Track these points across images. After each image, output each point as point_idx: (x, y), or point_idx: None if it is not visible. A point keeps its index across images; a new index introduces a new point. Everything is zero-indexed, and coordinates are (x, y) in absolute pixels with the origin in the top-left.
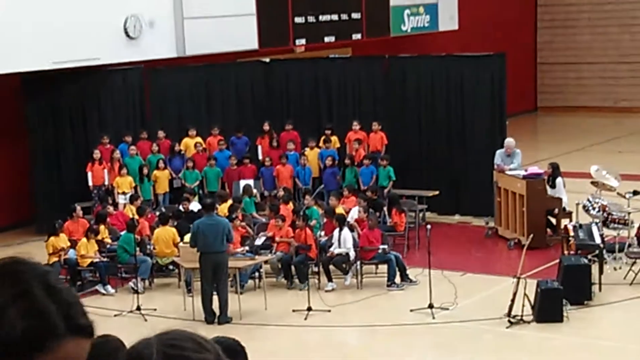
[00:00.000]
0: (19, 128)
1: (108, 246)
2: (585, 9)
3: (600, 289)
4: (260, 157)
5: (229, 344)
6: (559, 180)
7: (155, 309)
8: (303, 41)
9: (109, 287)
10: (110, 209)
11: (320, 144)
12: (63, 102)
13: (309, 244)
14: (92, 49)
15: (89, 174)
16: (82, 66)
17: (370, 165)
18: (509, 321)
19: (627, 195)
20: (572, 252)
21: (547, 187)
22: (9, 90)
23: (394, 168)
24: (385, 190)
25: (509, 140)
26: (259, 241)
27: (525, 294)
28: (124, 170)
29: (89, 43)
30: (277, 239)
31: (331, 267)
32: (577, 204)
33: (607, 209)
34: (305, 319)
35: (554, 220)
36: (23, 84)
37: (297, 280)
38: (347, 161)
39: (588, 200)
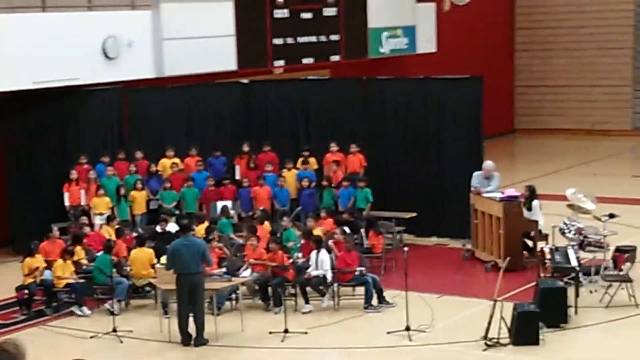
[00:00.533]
0: None
1: (84, 267)
2: (562, 32)
3: (576, 312)
4: (237, 178)
5: None
6: (535, 202)
7: (131, 331)
8: (282, 62)
9: (84, 308)
10: (87, 229)
11: (299, 165)
12: (41, 122)
13: (285, 265)
14: (71, 69)
15: (66, 195)
16: (61, 86)
17: (349, 187)
18: (486, 344)
19: (603, 219)
20: (548, 275)
21: (524, 210)
22: None
23: (371, 190)
24: (364, 212)
25: (488, 164)
26: (246, 272)
27: (501, 317)
28: (101, 191)
29: (68, 63)
30: (250, 260)
31: (308, 288)
32: (554, 227)
33: (583, 231)
34: (282, 341)
35: (530, 243)
36: (1, 103)
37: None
38: (324, 183)
39: (564, 223)
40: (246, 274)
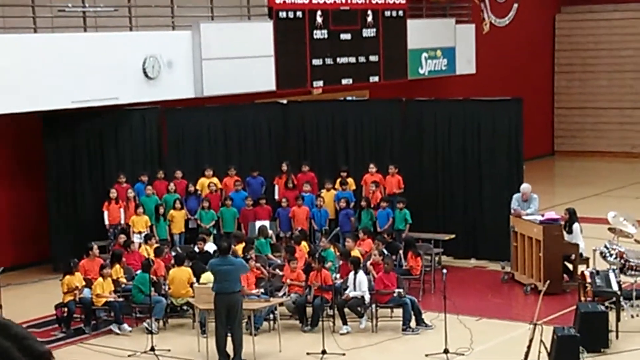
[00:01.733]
0: (38, 166)
1: (123, 286)
2: (602, 54)
3: (617, 337)
4: (276, 197)
5: None
6: (575, 225)
7: (169, 350)
8: (320, 83)
9: (125, 326)
10: (135, 245)
11: (337, 185)
12: (81, 141)
13: (328, 285)
14: (111, 89)
15: (106, 213)
16: (101, 105)
17: (387, 208)
18: None
19: None
20: (589, 299)
21: (564, 233)
22: (29, 129)
23: (410, 211)
24: (403, 234)
25: (525, 186)
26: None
27: (541, 341)
28: (140, 209)
29: (108, 83)
30: (287, 281)
31: (346, 310)
32: (594, 250)
33: (624, 255)
34: None
35: (570, 266)
36: (42, 123)
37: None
38: (363, 203)
39: (605, 246)
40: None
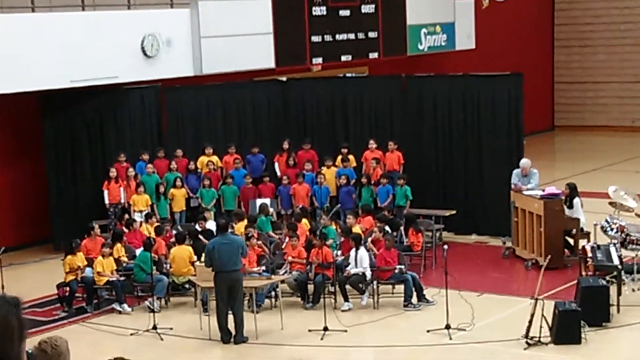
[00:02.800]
0: (37, 146)
1: (124, 264)
2: (601, 28)
3: (618, 311)
4: (278, 175)
5: None
6: (576, 200)
7: (171, 328)
8: (320, 60)
9: (125, 305)
10: (137, 224)
11: (338, 162)
12: (80, 121)
13: (328, 262)
14: (109, 68)
15: (106, 192)
16: (100, 84)
17: (387, 185)
18: (527, 342)
19: None
20: (590, 273)
21: (565, 208)
22: (27, 109)
23: (410, 187)
24: (404, 211)
25: (525, 161)
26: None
27: (542, 315)
28: (141, 189)
29: (107, 62)
30: (289, 258)
31: (347, 286)
32: (595, 225)
33: (625, 229)
34: (322, 339)
35: (571, 241)
36: (41, 102)
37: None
38: (363, 180)
39: (606, 220)
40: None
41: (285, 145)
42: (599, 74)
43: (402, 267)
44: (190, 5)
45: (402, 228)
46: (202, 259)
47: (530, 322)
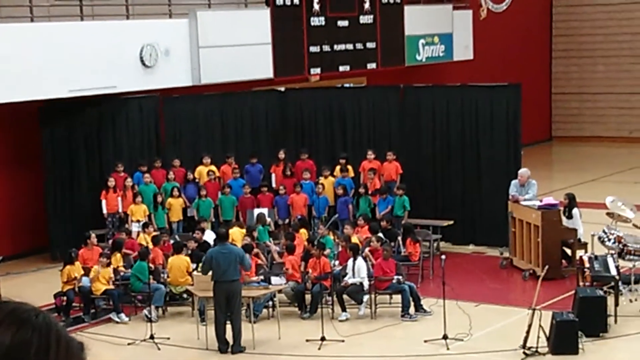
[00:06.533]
0: (35, 155)
1: (122, 274)
2: (599, 39)
3: (615, 321)
4: (274, 185)
5: None
6: (575, 211)
7: (168, 338)
8: (318, 70)
9: (122, 315)
10: (123, 235)
11: (336, 172)
12: (78, 130)
13: (326, 273)
14: (108, 77)
15: (104, 202)
16: (98, 94)
17: (388, 197)
18: (524, 353)
19: None
20: (587, 284)
21: (563, 218)
22: (26, 118)
23: (408, 197)
24: (402, 221)
25: (523, 171)
26: (277, 280)
27: (540, 326)
28: (139, 198)
29: (105, 71)
30: (289, 270)
31: (345, 296)
32: (593, 235)
33: (622, 240)
34: (319, 348)
35: (569, 251)
36: (39, 112)
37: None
38: (361, 190)
39: (603, 231)
40: (278, 280)
41: (281, 155)
42: (597, 85)
43: (400, 277)
44: (189, 15)
45: (399, 238)
46: (199, 267)
47: (528, 332)
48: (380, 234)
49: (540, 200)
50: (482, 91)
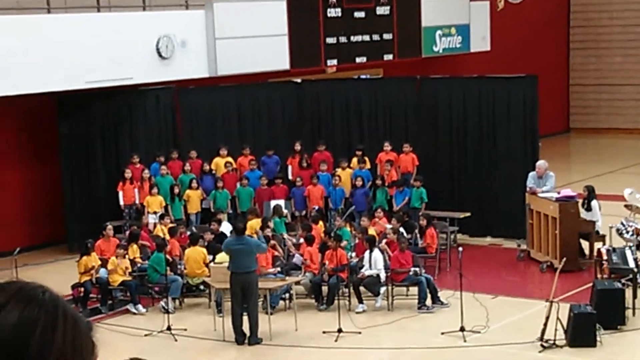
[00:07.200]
0: (52, 147)
1: (139, 265)
2: (617, 30)
3: (634, 314)
4: (290, 177)
5: None
6: (594, 203)
7: (185, 329)
8: (334, 62)
9: (139, 306)
10: (135, 227)
11: (353, 164)
12: (95, 122)
13: (343, 264)
14: (124, 69)
15: (120, 193)
16: (115, 86)
17: (405, 189)
18: (542, 345)
19: None
20: (605, 276)
21: (583, 210)
22: (43, 110)
23: (425, 189)
24: (420, 212)
25: (541, 163)
26: (296, 260)
27: (558, 318)
28: (155, 190)
29: (122, 63)
30: (306, 261)
31: (362, 288)
32: (611, 227)
33: None
34: (336, 340)
35: (585, 245)
36: (57, 103)
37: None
38: (378, 182)
39: (622, 223)
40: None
41: (297, 147)
42: (615, 76)
43: (417, 269)
44: (205, 6)
45: (417, 230)
46: (217, 259)
47: (545, 324)
48: (399, 226)
49: (558, 192)
50: (499, 83)
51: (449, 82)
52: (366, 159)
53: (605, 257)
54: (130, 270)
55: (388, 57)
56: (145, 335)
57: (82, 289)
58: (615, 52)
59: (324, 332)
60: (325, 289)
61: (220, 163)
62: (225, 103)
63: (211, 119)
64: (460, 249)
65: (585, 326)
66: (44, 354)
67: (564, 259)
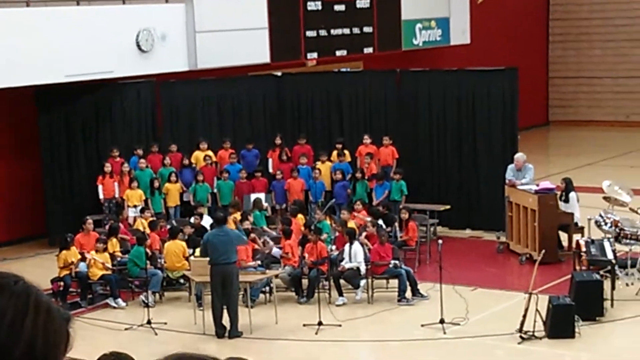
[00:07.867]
0: (32, 141)
1: (119, 259)
2: (596, 23)
3: (612, 305)
4: (270, 170)
5: None
6: (572, 195)
7: (165, 323)
8: (315, 55)
9: (119, 300)
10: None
11: (333, 157)
12: (75, 115)
13: (323, 257)
14: (104, 63)
15: (100, 187)
16: (95, 79)
17: (385, 183)
18: (521, 337)
19: (639, 211)
20: (584, 268)
21: (560, 202)
22: (22, 103)
23: (405, 182)
24: (400, 205)
25: (519, 155)
26: (275, 253)
27: (537, 310)
28: (135, 184)
29: (102, 56)
30: (287, 254)
31: (342, 281)
32: (589, 219)
33: (619, 224)
34: (316, 333)
35: (563, 237)
36: (36, 97)
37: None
38: (358, 175)
39: (600, 215)
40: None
41: (278, 141)
42: (594, 69)
43: (397, 261)
44: (185, 0)
45: (396, 223)
46: (197, 253)
47: (524, 316)
48: (377, 219)
49: (537, 185)
50: (479, 75)
51: (429, 75)
52: (346, 152)
53: (583, 249)
54: (109, 263)
55: (368, 50)
56: (126, 329)
57: (62, 283)
58: (595, 45)
59: (304, 325)
60: (305, 282)
61: (200, 156)
62: (205, 96)
63: (191, 112)
64: (440, 241)
65: (564, 318)
66: (10, 343)
67: (543, 251)
